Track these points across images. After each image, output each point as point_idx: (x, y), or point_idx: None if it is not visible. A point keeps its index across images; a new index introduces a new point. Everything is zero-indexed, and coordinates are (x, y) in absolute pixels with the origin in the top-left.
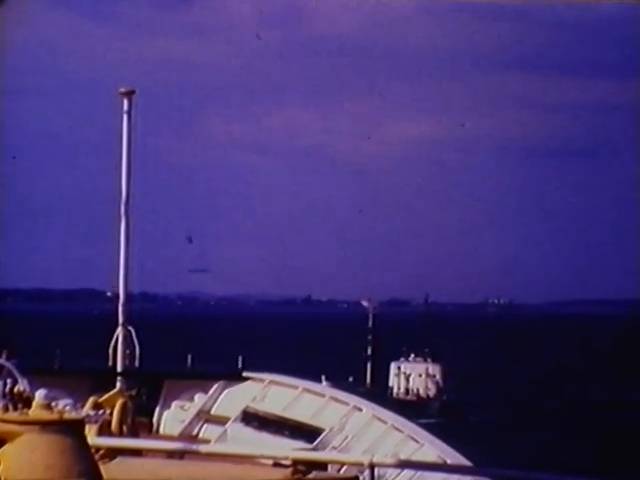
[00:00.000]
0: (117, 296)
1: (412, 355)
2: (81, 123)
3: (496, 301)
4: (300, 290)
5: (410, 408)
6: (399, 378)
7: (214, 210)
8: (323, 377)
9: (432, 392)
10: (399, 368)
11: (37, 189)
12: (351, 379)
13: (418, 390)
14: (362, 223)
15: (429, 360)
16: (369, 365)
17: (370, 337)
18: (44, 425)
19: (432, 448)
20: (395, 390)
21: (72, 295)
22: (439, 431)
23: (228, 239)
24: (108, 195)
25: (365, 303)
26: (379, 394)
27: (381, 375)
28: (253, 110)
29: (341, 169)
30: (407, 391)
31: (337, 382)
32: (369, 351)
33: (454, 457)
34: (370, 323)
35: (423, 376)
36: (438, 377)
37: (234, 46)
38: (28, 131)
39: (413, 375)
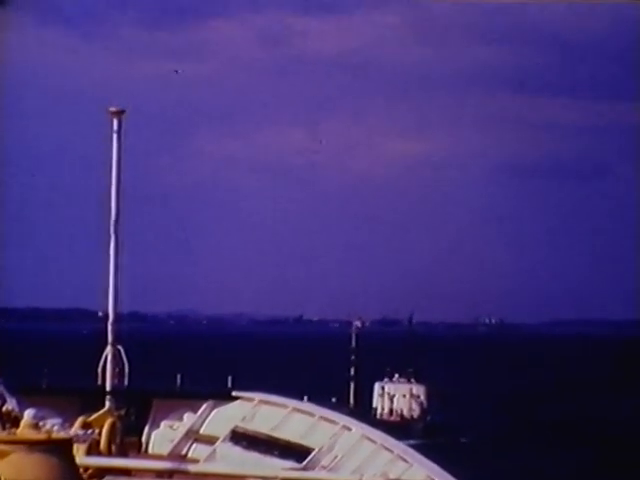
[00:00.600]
0: (107, 316)
1: (396, 375)
2: (70, 142)
3: (487, 321)
4: (292, 310)
5: (394, 429)
6: (383, 399)
7: (205, 228)
8: (305, 398)
9: (416, 413)
10: (383, 388)
11: (29, 207)
12: (334, 400)
13: (402, 411)
14: (354, 242)
15: (413, 380)
16: (352, 385)
17: (353, 357)
18: (32, 445)
19: (421, 468)
20: (379, 411)
21: (64, 315)
22: (422, 452)
23: (220, 257)
24: (100, 214)
25: (356, 323)
26: (363, 415)
27: (365, 396)
28: (244, 128)
29: (333, 187)
30: (391, 412)
31: (320, 403)
32: (352, 371)
33: (443, 477)
34: (353, 343)
35: (407, 397)
36: (422, 398)
37: (226, 64)
38: (16, 151)
39: (397, 396)
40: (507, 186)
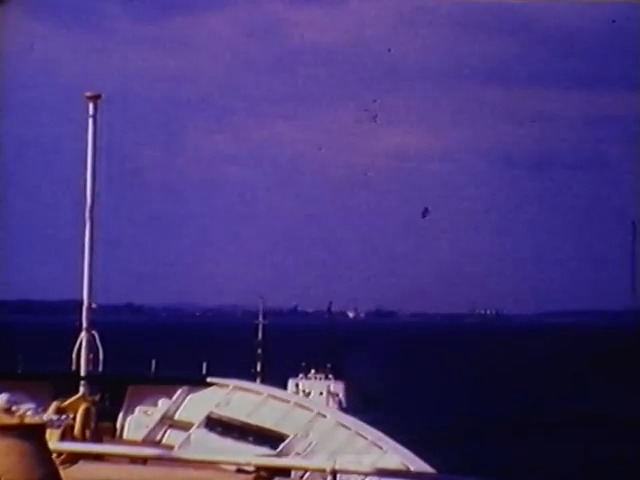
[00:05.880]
0: (103, 308)
1: (312, 371)
2: (58, 132)
3: (483, 311)
4: (287, 301)
5: None
6: None
7: (199, 222)
8: None
9: None
10: (297, 386)
11: (19, 200)
12: None
13: None
14: (347, 234)
15: (331, 377)
16: (258, 382)
17: (260, 351)
18: (4, 429)
19: (395, 454)
20: None
21: (56, 307)
22: None
23: (214, 250)
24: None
25: (350, 314)
26: None
27: None
28: (235, 122)
29: (326, 180)
30: None
31: None
32: (258, 367)
33: (417, 464)
34: (260, 335)
35: (324, 394)
36: (341, 396)
37: (215, 58)
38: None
39: (313, 393)
40: (502, 177)
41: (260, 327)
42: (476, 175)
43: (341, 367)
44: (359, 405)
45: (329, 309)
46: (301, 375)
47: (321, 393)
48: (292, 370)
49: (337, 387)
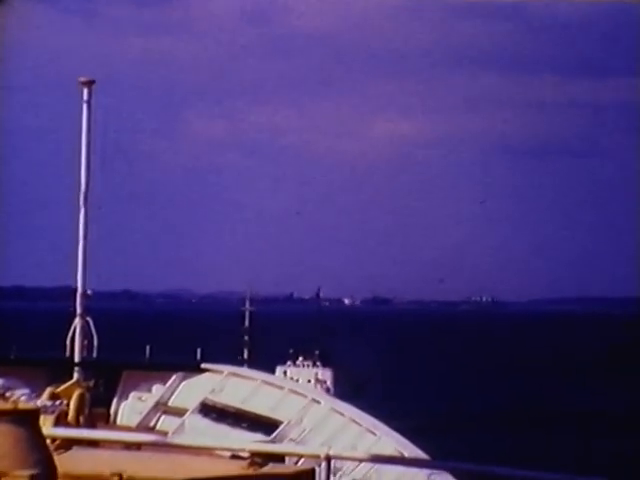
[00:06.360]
0: (99, 294)
1: (300, 358)
2: (59, 120)
3: (479, 299)
4: (283, 288)
5: None
6: None
7: (196, 208)
8: None
9: None
10: (285, 373)
11: (13, 186)
12: None
13: None
14: (345, 220)
15: (319, 364)
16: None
17: (246, 338)
18: None
19: (389, 441)
20: None
21: (51, 293)
22: None
23: (211, 237)
24: (89, 192)
25: (347, 301)
26: None
27: None
28: (235, 107)
29: (323, 167)
30: None
31: None
32: (245, 354)
33: (411, 450)
34: (247, 322)
35: (312, 382)
36: (329, 383)
37: (215, 44)
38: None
39: (301, 381)
40: (501, 165)
41: (247, 314)
42: (473, 163)
43: (329, 354)
44: (347, 393)
45: (317, 295)
46: (289, 362)
47: (309, 380)
48: (281, 357)
49: (325, 374)
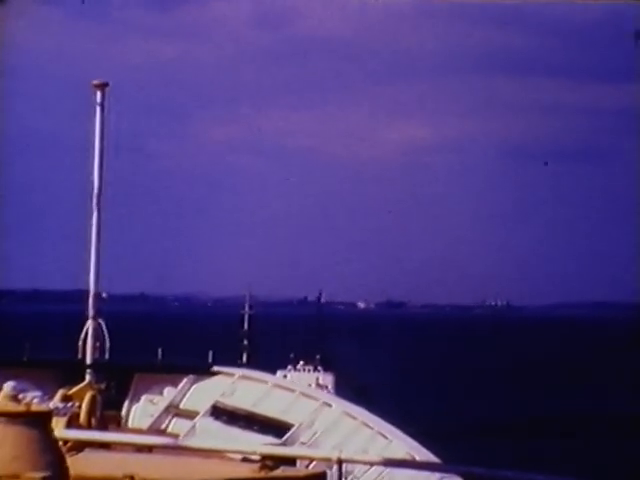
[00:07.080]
0: (115, 297)
1: (301, 363)
2: (68, 123)
3: (494, 303)
4: (297, 292)
5: None
6: None
7: (208, 211)
8: None
9: None
10: (285, 377)
11: (30, 190)
12: None
13: None
14: (356, 224)
15: (320, 369)
16: None
17: (245, 342)
18: (10, 417)
19: (401, 444)
20: None
21: (67, 296)
22: None
23: (227, 240)
24: (104, 195)
25: (361, 304)
26: None
27: None
28: (244, 111)
29: (333, 170)
30: None
31: None
32: (244, 358)
33: (423, 454)
34: (246, 326)
35: (313, 387)
36: (330, 388)
37: (229, 47)
38: (14, 133)
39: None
40: (513, 169)
41: (246, 317)
42: (486, 167)
43: (331, 359)
44: (349, 398)
45: (318, 299)
46: (289, 367)
47: (310, 385)
48: (282, 362)
49: (326, 379)
